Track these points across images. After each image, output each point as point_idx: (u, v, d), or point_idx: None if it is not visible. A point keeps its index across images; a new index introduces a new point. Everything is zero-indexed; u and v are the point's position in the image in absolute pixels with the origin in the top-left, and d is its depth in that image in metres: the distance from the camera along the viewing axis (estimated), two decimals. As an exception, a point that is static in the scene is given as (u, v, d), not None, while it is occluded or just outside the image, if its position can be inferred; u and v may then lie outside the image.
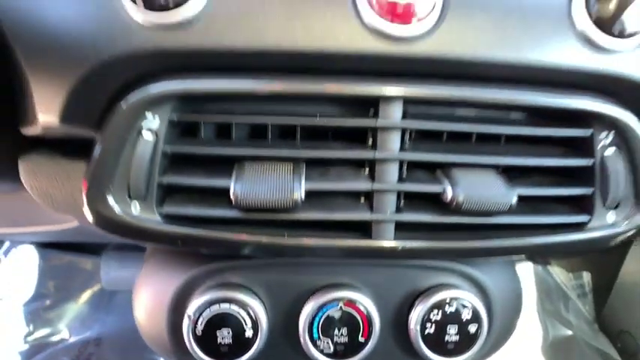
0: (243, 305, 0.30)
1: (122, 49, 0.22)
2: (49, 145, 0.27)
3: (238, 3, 0.22)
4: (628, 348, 0.99)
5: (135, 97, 0.23)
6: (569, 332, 1.04)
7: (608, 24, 0.23)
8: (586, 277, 1.05)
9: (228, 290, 0.31)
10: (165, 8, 0.21)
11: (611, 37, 0.23)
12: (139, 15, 0.21)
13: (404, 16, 0.22)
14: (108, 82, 0.23)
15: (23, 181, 0.30)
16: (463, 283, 0.33)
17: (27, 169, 0.28)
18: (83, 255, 1.03)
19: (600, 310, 1.03)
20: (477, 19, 0.23)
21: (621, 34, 0.23)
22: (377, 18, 0.22)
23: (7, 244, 1.01)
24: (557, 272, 1.14)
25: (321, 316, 0.31)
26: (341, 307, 0.32)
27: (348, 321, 0.32)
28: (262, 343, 0.31)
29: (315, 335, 0.32)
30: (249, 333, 0.30)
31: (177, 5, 0.21)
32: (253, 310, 0.30)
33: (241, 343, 0.30)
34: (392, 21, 0.22)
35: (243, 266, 0.31)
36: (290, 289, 0.32)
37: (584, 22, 0.23)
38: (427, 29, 0.22)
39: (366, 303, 0.31)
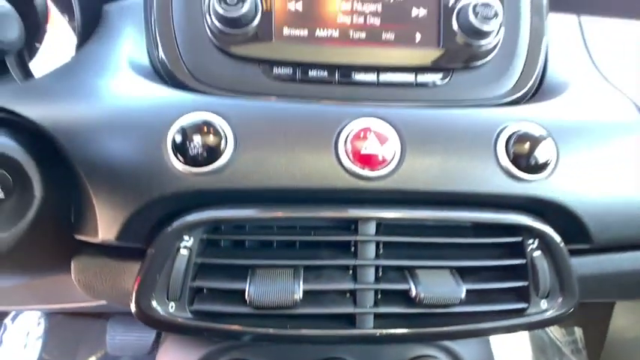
0: None
1: (169, 191, 0.30)
2: (99, 247, 0.35)
3: (252, 157, 0.31)
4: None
5: (177, 224, 0.31)
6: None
7: (523, 160, 0.32)
8: (578, 332, 1.08)
9: None
10: (200, 165, 0.30)
11: (525, 172, 0.32)
12: (182, 167, 0.30)
13: (372, 164, 0.31)
14: (157, 213, 0.31)
15: (73, 276, 0.37)
16: (441, 354, 0.39)
17: (78, 266, 0.35)
18: (89, 320, 1.05)
19: (595, 365, 1.05)
20: (426, 163, 0.31)
21: (533, 168, 0.32)
22: (353, 165, 0.31)
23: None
24: (552, 328, 1.16)
25: None
26: None
27: None
28: None
29: None
30: None
31: (209, 163, 0.30)
32: None
33: None
34: (362, 168, 0.31)
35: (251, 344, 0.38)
36: None
37: (505, 160, 0.32)
38: (389, 171, 0.31)
39: None
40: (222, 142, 0.30)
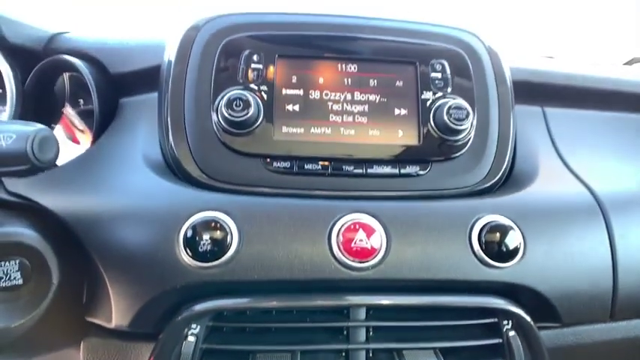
0: None
1: (180, 284, 0.33)
2: (109, 329, 0.37)
3: (255, 252, 0.34)
4: None
5: (186, 313, 0.34)
6: None
7: (495, 249, 0.36)
8: None
9: None
10: (208, 260, 0.34)
11: (497, 260, 0.36)
12: (192, 262, 0.34)
13: (361, 256, 0.35)
14: (168, 302, 0.34)
15: (82, 356, 0.39)
16: None
17: (88, 347, 0.37)
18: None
19: None
20: (409, 254, 0.35)
21: (504, 256, 0.36)
22: (344, 257, 0.35)
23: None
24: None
25: None
26: None
27: None
28: None
29: None
30: None
31: (217, 258, 0.34)
32: None
33: None
34: (353, 259, 0.35)
35: None
36: None
37: (479, 250, 0.36)
38: (376, 262, 0.35)
39: None
40: (228, 238, 0.34)
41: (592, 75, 0.53)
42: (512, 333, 0.37)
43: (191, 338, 0.34)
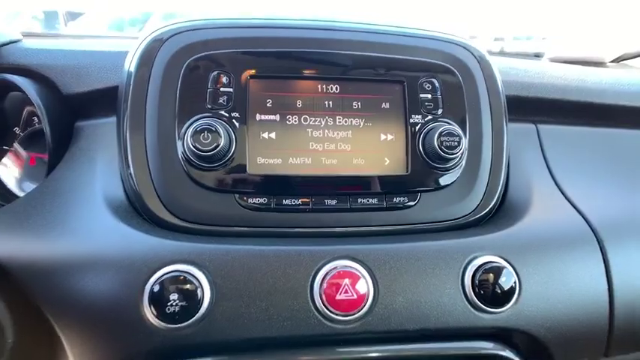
0: None
1: (146, 347, 0.30)
2: None
3: (229, 308, 0.31)
4: None
5: None
6: None
7: (489, 293, 0.34)
8: None
9: None
10: (179, 321, 0.30)
11: (491, 304, 0.34)
12: (158, 323, 0.30)
13: (346, 308, 0.32)
14: None
15: None
16: None
17: None
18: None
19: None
20: (397, 303, 0.33)
21: (499, 300, 0.34)
22: (328, 310, 0.32)
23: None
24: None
25: None
26: None
27: None
28: None
29: None
30: None
31: (188, 319, 0.30)
32: None
33: None
34: (337, 312, 0.32)
35: None
36: None
37: (472, 295, 0.34)
38: (363, 314, 0.32)
39: None
40: (199, 293, 0.31)
41: (588, 87, 0.50)
42: None
43: None
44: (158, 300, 0.30)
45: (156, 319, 0.30)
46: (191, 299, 0.30)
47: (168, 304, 0.30)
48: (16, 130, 0.49)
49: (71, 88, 0.43)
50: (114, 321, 0.30)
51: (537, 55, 1.01)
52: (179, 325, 0.30)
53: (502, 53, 1.05)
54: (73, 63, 0.43)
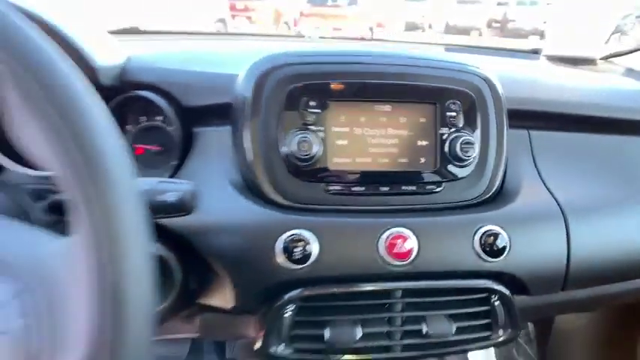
0: None
1: (279, 279, 0.48)
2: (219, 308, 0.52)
3: (330, 257, 0.49)
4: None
5: (287, 297, 0.48)
6: (518, 371, 1.30)
7: (489, 249, 0.52)
8: (530, 326, 1.31)
9: None
10: (299, 263, 0.48)
11: (491, 256, 0.52)
12: (287, 266, 0.47)
13: (400, 257, 0.50)
14: (269, 291, 0.49)
15: (199, 325, 0.54)
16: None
17: (203, 320, 0.52)
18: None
19: (543, 352, 1.30)
20: (433, 254, 0.51)
21: (496, 254, 0.52)
22: (389, 258, 0.50)
23: None
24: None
25: None
26: None
27: None
28: None
29: None
30: None
31: (305, 262, 0.48)
32: None
33: None
34: (394, 259, 0.50)
35: None
36: None
37: (479, 250, 0.51)
38: (410, 260, 0.50)
39: None
40: (310, 247, 0.48)
41: (581, 102, 0.66)
42: (497, 302, 0.54)
43: (288, 313, 0.49)
44: (286, 250, 0.47)
45: (285, 263, 0.48)
46: (306, 251, 0.48)
47: (293, 253, 0.47)
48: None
49: (190, 101, 0.58)
50: (258, 264, 0.48)
51: (535, 52, 1.15)
52: (299, 266, 0.48)
53: (503, 50, 1.19)
54: (191, 82, 0.58)
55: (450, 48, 1.05)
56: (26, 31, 0.27)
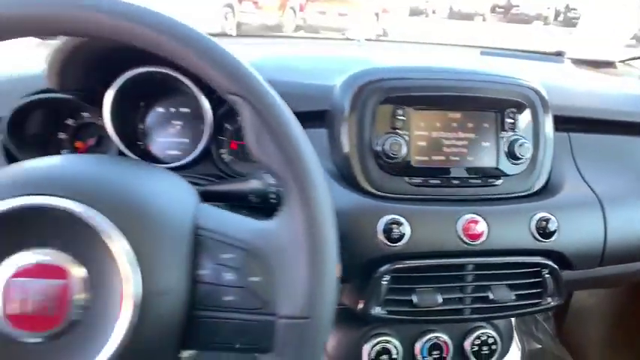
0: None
1: (381, 255, 0.60)
2: None
3: (418, 237, 0.61)
4: (581, 356, 1.39)
5: (382, 269, 0.60)
6: (539, 346, 1.44)
7: (542, 231, 0.64)
8: None
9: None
10: (395, 242, 0.60)
11: (543, 237, 0.64)
12: (386, 243, 0.59)
13: (474, 238, 0.62)
14: (370, 264, 0.61)
15: None
16: (491, 328, 0.73)
17: None
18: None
19: (560, 328, 1.44)
20: (499, 235, 0.63)
21: (548, 235, 0.64)
22: (465, 238, 0.62)
23: None
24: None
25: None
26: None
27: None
28: None
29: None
30: None
31: (399, 242, 0.60)
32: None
33: None
34: (470, 240, 0.62)
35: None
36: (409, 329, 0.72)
37: (535, 232, 0.63)
38: (482, 241, 0.62)
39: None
40: (403, 229, 0.60)
41: (614, 109, 0.78)
42: (547, 275, 0.66)
43: (384, 283, 0.61)
44: (385, 231, 0.59)
45: (384, 241, 0.60)
46: (401, 232, 0.60)
47: (391, 233, 0.59)
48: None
49: (294, 108, 0.69)
50: (360, 242, 0.60)
51: (559, 54, 1.26)
52: (395, 244, 0.60)
53: (529, 52, 1.29)
54: (291, 91, 0.69)
55: (485, 51, 1.15)
56: (256, 77, 0.38)
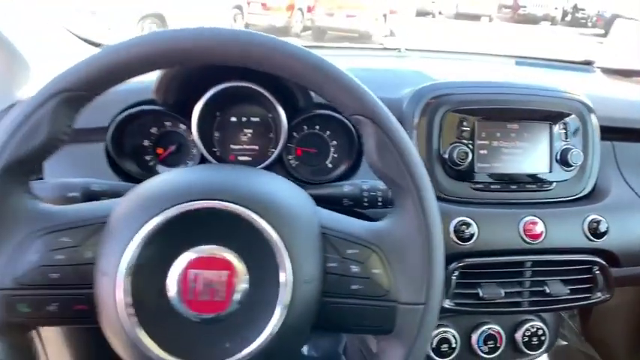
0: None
1: (455, 250, 0.67)
2: None
3: (485, 236, 0.68)
4: (606, 353, 1.45)
5: (452, 267, 0.68)
6: (565, 343, 1.50)
7: (594, 232, 0.70)
8: None
9: None
10: (465, 241, 0.67)
11: (595, 237, 0.70)
12: (458, 243, 0.67)
13: (534, 237, 0.68)
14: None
15: None
16: (539, 320, 0.79)
17: None
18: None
19: (585, 325, 1.49)
20: (556, 236, 0.69)
21: (599, 236, 0.70)
22: (527, 238, 0.68)
23: None
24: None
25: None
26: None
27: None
28: None
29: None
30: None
31: (469, 241, 0.67)
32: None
33: None
34: (531, 239, 0.68)
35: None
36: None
37: (587, 232, 0.70)
38: (541, 240, 0.68)
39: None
40: (472, 229, 0.67)
41: None
42: (597, 272, 0.73)
43: (454, 278, 0.68)
44: (456, 232, 0.66)
45: (456, 241, 0.66)
46: (470, 232, 0.66)
47: (462, 233, 0.66)
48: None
49: None
50: None
51: (588, 63, 1.31)
52: (465, 243, 0.66)
53: (559, 61, 1.35)
54: None
55: (519, 61, 1.22)
56: (378, 100, 0.44)
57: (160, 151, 0.81)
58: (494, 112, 0.72)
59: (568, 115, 0.74)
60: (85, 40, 0.98)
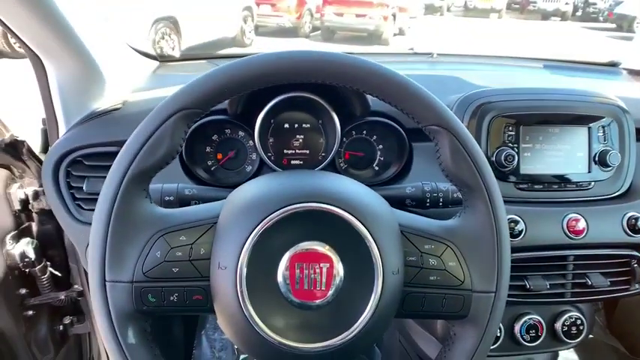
0: None
1: None
2: None
3: (530, 232, 0.73)
4: (630, 345, 1.48)
5: None
6: (591, 336, 1.54)
7: (633, 228, 0.75)
8: None
9: None
10: (515, 237, 0.72)
11: (634, 233, 0.75)
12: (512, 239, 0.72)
13: (576, 233, 0.74)
14: None
15: None
16: (576, 310, 0.85)
17: None
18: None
19: (610, 319, 1.53)
20: (597, 231, 0.75)
21: (637, 232, 0.75)
22: (569, 233, 0.74)
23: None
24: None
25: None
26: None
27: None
28: None
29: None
30: None
31: (517, 237, 0.72)
32: None
33: None
34: (573, 234, 0.74)
35: None
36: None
37: (626, 228, 0.75)
38: (583, 235, 0.74)
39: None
40: (520, 226, 0.72)
41: None
42: (635, 265, 0.78)
43: None
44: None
45: None
46: (519, 229, 0.72)
47: (512, 231, 0.72)
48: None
49: (410, 124, 0.81)
50: None
51: (613, 65, 1.35)
52: (515, 239, 0.72)
53: (583, 63, 1.39)
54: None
55: (547, 64, 1.26)
56: (450, 112, 0.50)
57: (219, 156, 0.88)
58: (537, 117, 0.77)
59: (605, 118, 0.79)
60: (142, 53, 1.05)
